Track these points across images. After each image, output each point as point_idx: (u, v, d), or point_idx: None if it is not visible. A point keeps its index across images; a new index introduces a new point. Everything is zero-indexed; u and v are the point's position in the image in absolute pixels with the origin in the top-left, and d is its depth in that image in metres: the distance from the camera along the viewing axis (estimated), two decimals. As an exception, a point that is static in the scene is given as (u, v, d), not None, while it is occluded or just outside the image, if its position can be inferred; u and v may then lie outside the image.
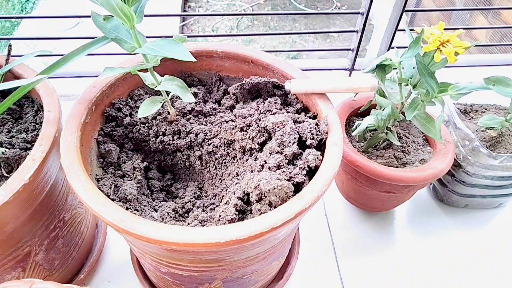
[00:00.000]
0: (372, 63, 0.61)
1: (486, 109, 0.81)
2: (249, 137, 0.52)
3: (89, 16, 0.45)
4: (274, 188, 0.43)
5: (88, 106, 0.49)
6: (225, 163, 0.52)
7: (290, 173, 0.47)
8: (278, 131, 0.50)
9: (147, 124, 0.54)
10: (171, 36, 0.46)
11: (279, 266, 0.65)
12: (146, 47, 0.43)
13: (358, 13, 0.92)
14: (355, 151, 0.67)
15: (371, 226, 0.80)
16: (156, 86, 0.49)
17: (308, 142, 0.49)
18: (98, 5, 0.39)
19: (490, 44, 1.72)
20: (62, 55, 0.49)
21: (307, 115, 0.55)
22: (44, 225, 0.53)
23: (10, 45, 0.57)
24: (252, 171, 0.48)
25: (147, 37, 0.46)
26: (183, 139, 0.54)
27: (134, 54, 0.47)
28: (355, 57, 0.99)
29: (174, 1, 2.67)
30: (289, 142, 0.49)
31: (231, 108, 0.58)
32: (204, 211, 0.49)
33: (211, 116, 0.57)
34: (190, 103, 0.57)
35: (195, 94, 0.59)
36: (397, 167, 0.68)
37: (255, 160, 0.50)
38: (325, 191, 0.43)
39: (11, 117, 0.57)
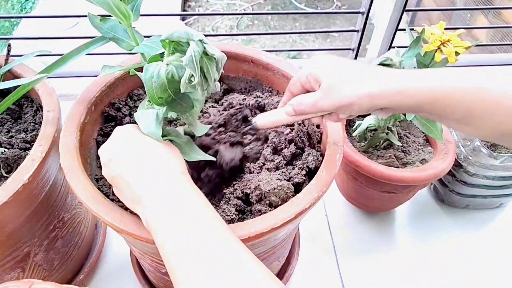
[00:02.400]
0: (373, 63, 0.61)
1: (486, 109, 0.80)
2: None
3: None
4: (275, 189, 0.43)
5: (87, 106, 0.49)
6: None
7: (289, 173, 0.47)
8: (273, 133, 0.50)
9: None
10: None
11: (280, 266, 0.65)
12: (144, 45, 0.43)
13: (359, 12, 0.92)
14: (356, 151, 0.67)
15: (371, 226, 0.79)
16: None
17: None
18: (94, 5, 0.39)
19: (490, 44, 1.72)
20: (61, 55, 0.48)
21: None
22: (43, 226, 0.53)
23: (9, 45, 0.56)
24: (251, 172, 0.48)
25: (147, 36, 0.46)
26: (183, 139, 0.54)
27: (133, 53, 0.46)
28: (356, 56, 0.99)
29: (174, 0, 2.67)
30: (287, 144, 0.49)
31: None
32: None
33: (211, 116, 0.57)
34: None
35: (195, 94, 0.59)
36: (397, 167, 0.67)
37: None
38: (325, 191, 0.42)
39: (10, 117, 0.57)
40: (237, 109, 0.50)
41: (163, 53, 0.38)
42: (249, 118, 0.49)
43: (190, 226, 0.32)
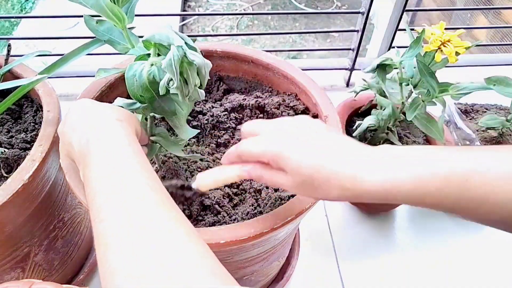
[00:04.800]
0: (373, 63, 0.61)
1: (487, 109, 0.80)
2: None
3: (88, 17, 0.44)
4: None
5: (87, 106, 0.49)
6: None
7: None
8: None
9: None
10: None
11: (280, 266, 0.65)
12: (139, 47, 0.43)
13: (359, 12, 0.92)
14: (356, 151, 0.67)
15: (371, 226, 0.79)
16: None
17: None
18: (88, 8, 0.38)
19: (491, 44, 1.72)
20: (61, 55, 0.48)
21: (307, 115, 0.55)
22: (43, 226, 0.53)
23: (9, 45, 0.56)
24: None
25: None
26: (183, 139, 0.54)
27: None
28: (356, 56, 0.99)
29: (174, 0, 2.67)
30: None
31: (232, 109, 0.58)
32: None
33: (211, 116, 0.57)
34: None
35: (195, 94, 0.59)
36: (397, 167, 0.67)
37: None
38: (325, 192, 0.42)
39: (10, 117, 0.57)
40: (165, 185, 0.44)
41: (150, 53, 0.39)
42: (185, 185, 0.43)
43: (115, 172, 0.31)
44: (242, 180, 0.48)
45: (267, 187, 0.48)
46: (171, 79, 0.36)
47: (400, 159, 0.32)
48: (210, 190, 0.46)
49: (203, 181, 0.40)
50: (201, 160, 0.50)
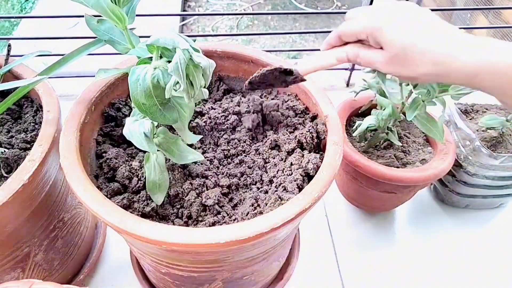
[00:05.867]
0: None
1: (487, 109, 0.80)
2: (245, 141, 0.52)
3: (87, 17, 0.44)
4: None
5: (87, 106, 0.49)
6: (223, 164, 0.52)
7: (289, 175, 0.47)
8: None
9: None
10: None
11: (280, 266, 0.65)
12: (140, 48, 0.43)
13: (359, 12, 0.92)
14: (356, 151, 0.67)
15: (371, 226, 0.79)
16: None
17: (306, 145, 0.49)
18: (89, 8, 0.38)
19: (490, 44, 1.72)
20: (61, 55, 0.48)
21: (307, 115, 0.55)
22: (43, 226, 0.53)
23: (9, 45, 0.56)
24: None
25: (146, 36, 0.46)
26: (183, 139, 0.54)
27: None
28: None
29: (173, 0, 2.67)
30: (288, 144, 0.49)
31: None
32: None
33: (211, 116, 0.57)
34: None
35: (195, 94, 0.59)
36: (397, 167, 0.67)
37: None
38: (325, 192, 0.43)
39: (10, 117, 0.57)
40: (270, 69, 0.46)
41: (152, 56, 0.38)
42: (287, 69, 0.45)
43: None
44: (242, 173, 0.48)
45: (266, 186, 0.48)
46: (177, 82, 0.36)
47: (491, 47, 0.33)
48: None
49: (304, 66, 0.43)
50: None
